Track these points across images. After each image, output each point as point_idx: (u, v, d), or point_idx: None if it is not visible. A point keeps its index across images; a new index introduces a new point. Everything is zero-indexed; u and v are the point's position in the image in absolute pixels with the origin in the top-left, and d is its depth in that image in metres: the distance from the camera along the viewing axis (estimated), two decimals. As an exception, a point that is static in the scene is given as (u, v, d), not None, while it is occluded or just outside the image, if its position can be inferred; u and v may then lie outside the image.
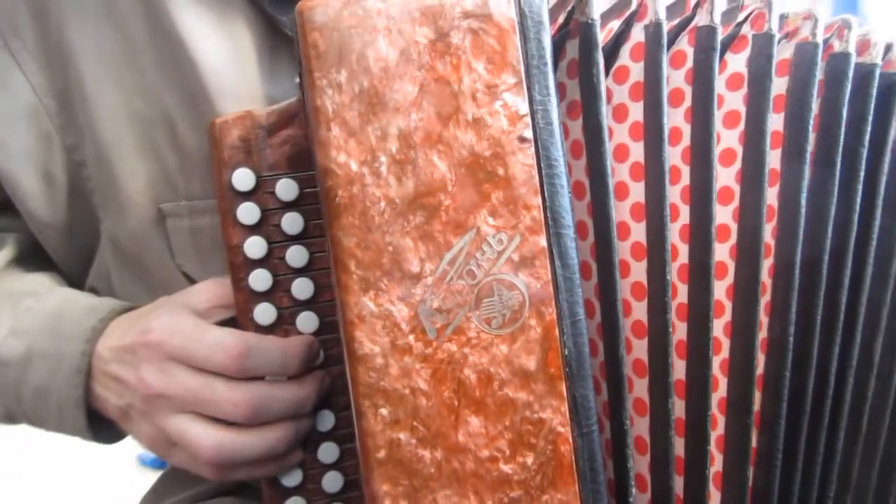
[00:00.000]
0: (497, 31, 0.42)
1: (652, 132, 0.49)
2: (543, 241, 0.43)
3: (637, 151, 0.50)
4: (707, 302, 0.50)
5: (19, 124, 0.58)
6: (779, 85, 0.50)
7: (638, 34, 0.50)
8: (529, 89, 0.43)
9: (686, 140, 0.50)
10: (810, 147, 0.50)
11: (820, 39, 0.50)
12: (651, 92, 0.49)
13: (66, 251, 0.65)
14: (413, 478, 0.42)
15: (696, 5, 0.50)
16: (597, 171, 0.47)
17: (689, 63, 0.50)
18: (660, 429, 0.50)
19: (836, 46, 0.51)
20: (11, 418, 0.62)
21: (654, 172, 0.49)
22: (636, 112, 0.50)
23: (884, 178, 0.53)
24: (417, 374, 0.42)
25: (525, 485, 0.42)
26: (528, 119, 0.42)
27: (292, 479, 0.55)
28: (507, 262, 0.42)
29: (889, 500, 0.59)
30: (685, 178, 0.50)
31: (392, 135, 0.41)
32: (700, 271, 0.50)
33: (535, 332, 0.42)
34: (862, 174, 0.52)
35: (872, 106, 0.52)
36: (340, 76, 0.41)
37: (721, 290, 0.51)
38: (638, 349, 0.50)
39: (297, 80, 0.49)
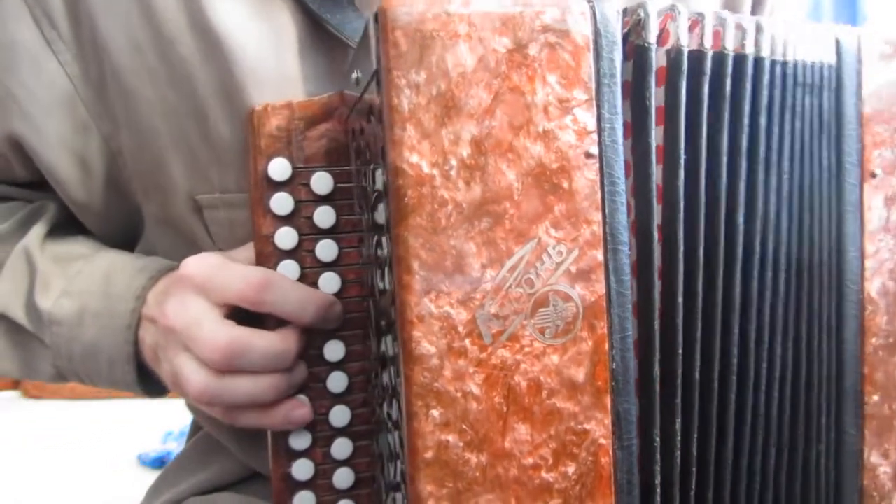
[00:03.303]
0: (573, 46, 0.42)
1: (670, 157, 0.50)
2: (601, 256, 0.43)
3: (657, 175, 0.50)
4: (694, 325, 0.50)
5: (56, 112, 0.57)
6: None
7: (661, 59, 0.50)
8: (599, 107, 0.42)
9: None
10: (745, 162, 0.51)
11: (750, 51, 0.50)
12: (671, 118, 0.50)
13: (108, 230, 0.64)
14: (458, 480, 0.41)
15: (689, 29, 0.51)
16: (643, 192, 0.47)
17: None
18: (668, 448, 0.50)
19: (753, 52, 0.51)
20: (62, 377, 0.62)
21: (669, 196, 0.50)
22: (658, 136, 0.50)
23: (796, 178, 0.54)
24: (470, 377, 0.41)
25: (565, 494, 0.42)
26: (595, 136, 0.42)
27: (304, 472, 0.54)
28: (565, 274, 0.42)
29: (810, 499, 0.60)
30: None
31: (465, 140, 0.41)
32: (690, 295, 0.50)
33: (586, 344, 0.42)
34: (774, 178, 0.53)
35: (777, 105, 0.52)
36: (419, 77, 0.40)
37: None
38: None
39: (356, 75, 0.48)
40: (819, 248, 0.57)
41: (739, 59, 0.50)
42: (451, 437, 0.41)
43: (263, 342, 0.49)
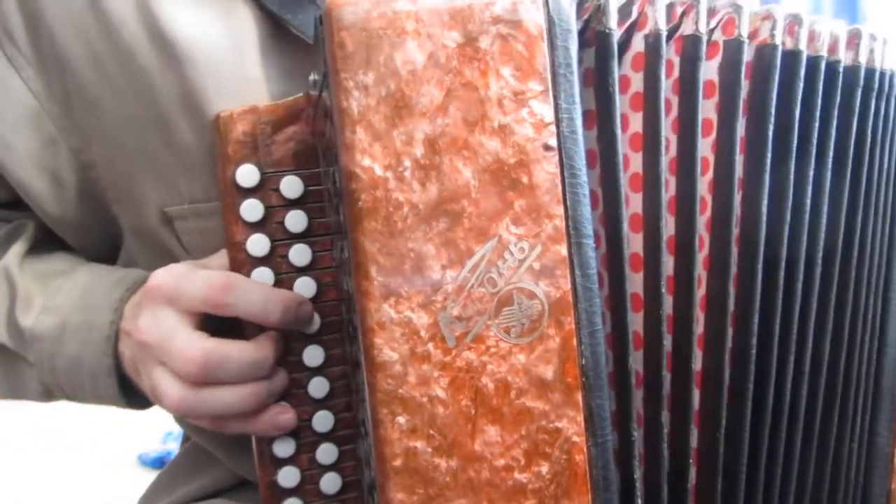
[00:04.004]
0: (526, 37, 0.40)
1: (650, 144, 0.48)
2: (564, 251, 0.41)
3: (636, 162, 0.49)
4: (690, 315, 0.49)
5: (24, 129, 0.57)
6: (743, 88, 0.49)
7: (638, 44, 0.49)
8: (555, 97, 0.41)
9: (673, 151, 0.49)
10: (769, 152, 0.49)
11: (779, 41, 0.49)
12: (650, 103, 0.48)
13: (86, 243, 0.63)
14: (429, 486, 0.40)
15: (683, 14, 0.49)
16: (610, 181, 0.46)
17: (676, 73, 0.49)
18: (654, 440, 0.49)
19: (788, 44, 0.50)
20: (49, 394, 0.61)
21: (651, 184, 0.48)
22: (636, 123, 0.49)
23: (828, 175, 0.52)
24: (436, 382, 0.40)
25: (539, 494, 0.41)
26: (554, 127, 0.41)
27: (290, 479, 0.54)
28: (528, 271, 0.41)
29: (838, 500, 0.58)
30: (672, 189, 0.49)
31: (418, 139, 0.39)
32: (683, 284, 0.49)
33: (553, 341, 0.41)
34: (811, 174, 0.51)
35: (819, 100, 0.51)
36: (367, 78, 0.39)
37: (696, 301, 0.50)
38: (634, 360, 0.49)
39: (312, 77, 0.47)
40: (871, 250, 0.55)
41: (767, 50, 0.49)
42: (419, 444, 0.40)
43: (238, 352, 0.48)
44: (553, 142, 0.41)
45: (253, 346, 0.49)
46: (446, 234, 0.40)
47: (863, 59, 0.53)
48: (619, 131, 0.45)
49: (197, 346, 0.48)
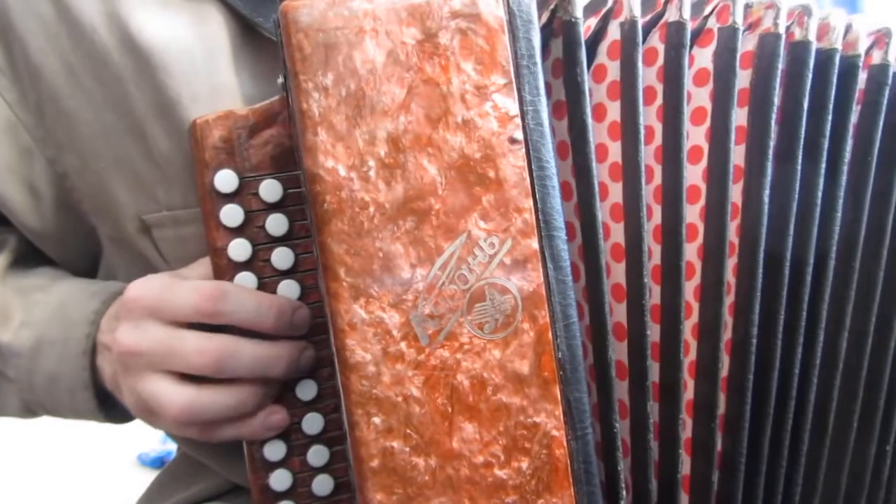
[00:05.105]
0: (486, 30, 0.40)
1: (629, 132, 0.47)
2: (535, 244, 0.41)
3: (615, 151, 0.48)
4: (678, 304, 0.48)
5: (0, 140, 0.57)
6: (743, 78, 0.48)
7: (614, 32, 0.48)
8: (519, 90, 0.40)
9: (658, 139, 0.48)
10: (773, 142, 0.48)
11: (782, 30, 0.48)
12: (627, 91, 0.47)
13: (67, 255, 0.63)
14: (407, 486, 0.40)
15: (667, 1, 0.48)
16: (583, 171, 0.45)
17: (661, 60, 0.48)
18: (639, 431, 0.48)
19: (797, 34, 0.49)
20: (31, 411, 0.60)
21: (631, 173, 0.47)
22: (614, 111, 0.48)
23: (845, 168, 0.51)
24: (410, 381, 0.40)
25: (520, 489, 0.41)
26: (519, 120, 0.40)
27: (282, 482, 0.54)
28: (500, 266, 0.40)
29: (860, 502, 0.57)
30: (657, 178, 0.49)
31: (380, 138, 0.39)
32: (671, 273, 0.48)
33: (528, 335, 0.41)
34: (823, 166, 0.50)
35: (833, 93, 0.49)
36: (327, 79, 0.38)
37: (689, 290, 0.49)
38: (619, 351, 0.48)
39: (281, 79, 0.47)
40: None
41: (769, 39, 0.48)
42: (395, 443, 0.40)
43: (251, 347, 0.48)
44: (519, 135, 0.40)
45: (267, 343, 0.48)
46: (414, 232, 0.39)
47: (892, 59, 0.51)
48: (589, 120, 0.45)
49: (213, 340, 0.47)
